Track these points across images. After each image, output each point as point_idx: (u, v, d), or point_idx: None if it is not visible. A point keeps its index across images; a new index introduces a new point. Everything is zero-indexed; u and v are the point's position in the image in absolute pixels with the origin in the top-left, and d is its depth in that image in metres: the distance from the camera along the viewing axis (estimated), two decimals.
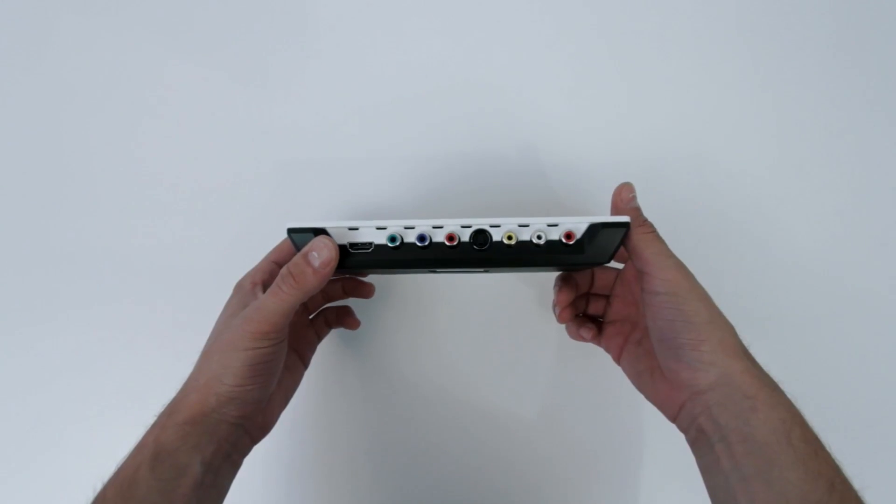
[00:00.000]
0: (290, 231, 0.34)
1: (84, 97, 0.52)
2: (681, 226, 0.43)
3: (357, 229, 0.34)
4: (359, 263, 0.34)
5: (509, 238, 0.32)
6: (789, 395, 0.32)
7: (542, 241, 0.32)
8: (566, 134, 0.50)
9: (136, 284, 0.50)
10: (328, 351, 0.50)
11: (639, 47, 0.51)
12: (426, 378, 0.50)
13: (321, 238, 0.33)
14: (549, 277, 0.46)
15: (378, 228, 0.33)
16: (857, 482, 0.30)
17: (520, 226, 0.33)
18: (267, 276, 0.39)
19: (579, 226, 0.32)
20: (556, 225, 0.32)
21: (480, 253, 0.33)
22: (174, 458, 0.32)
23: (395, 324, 0.50)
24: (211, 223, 0.50)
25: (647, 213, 0.35)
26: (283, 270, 0.34)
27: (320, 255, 0.33)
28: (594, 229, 0.32)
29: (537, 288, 0.49)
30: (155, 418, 0.34)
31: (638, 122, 0.50)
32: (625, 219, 0.32)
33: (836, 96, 0.50)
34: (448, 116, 0.51)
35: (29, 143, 0.52)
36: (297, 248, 0.34)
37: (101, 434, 0.49)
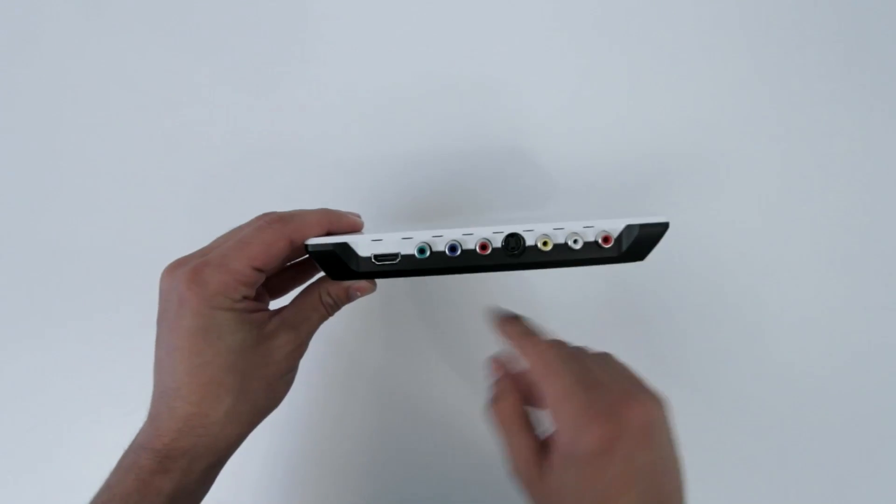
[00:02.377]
0: (310, 248, 0.32)
1: (80, 99, 0.51)
2: (679, 223, 0.43)
3: (381, 241, 0.32)
4: (384, 275, 0.33)
5: (545, 244, 0.31)
6: None
7: (578, 245, 0.31)
8: (569, 131, 0.50)
9: (137, 287, 0.47)
10: (327, 349, 0.49)
11: (642, 47, 0.50)
12: (425, 378, 0.49)
13: (368, 284, 0.35)
14: (556, 279, 0.46)
15: (404, 239, 0.32)
16: None
17: (555, 229, 0.31)
18: (252, 290, 0.31)
19: (616, 227, 0.31)
20: (591, 227, 0.31)
21: (514, 258, 0.32)
22: (193, 497, 0.31)
23: (395, 325, 0.49)
24: (211, 226, 0.48)
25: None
26: (328, 300, 0.34)
27: (363, 293, 0.34)
28: (631, 230, 0.31)
29: (540, 291, 0.49)
30: (162, 460, 0.29)
31: (638, 119, 0.50)
32: (662, 218, 0.31)
33: (838, 95, 0.50)
34: (448, 114, 0.50)
35: (23, 146, 0.51)
36: (321, 265, 0.32)
37: (101, 434, 0.48)
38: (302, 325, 0.33)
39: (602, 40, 0.50)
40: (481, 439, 0.48)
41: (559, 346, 0.31)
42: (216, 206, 0.49)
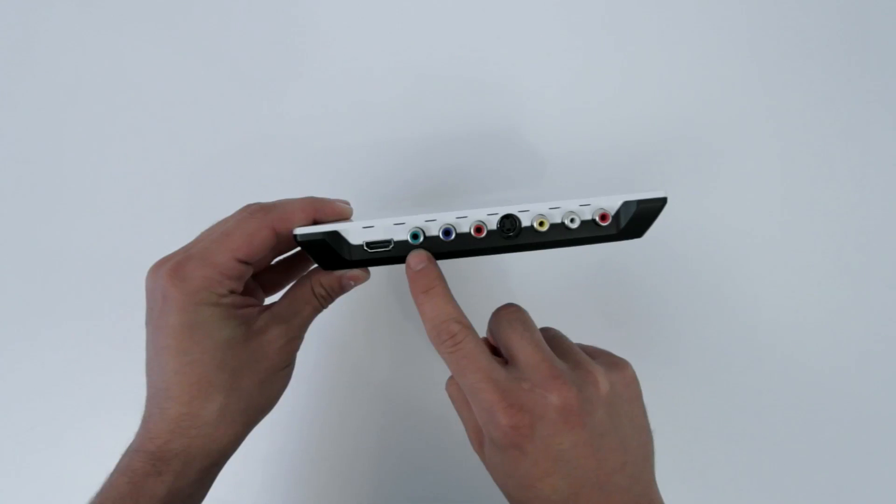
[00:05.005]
0: (299, 238, 0.31)
1: (74, 97, 0.50)
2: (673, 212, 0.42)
3: (372, 227, 0.31)
4: (377, 262, 0.32)
5: (541, 224, 0.30)
6: None
7: (575, 225, 0.30)
8: (565, 113, 0.49)
9: (137, 288, 0.47)
10: (329, 349, 0.48)
11: (640, 37, 0.49)
12: (426, 378, 0.48)
13: (361, 273, 0.33)
14: (558, 273, 0.46)
15: (396, 224, 0.31)
16: None
17: (551, 209, 0.31)
18: (238, 283, 0.30)
19: (613, 204, 0.31)
20: (587, 204, 0.31)
21: (510, 240, 0.31)
22: (189, 501, 0.30)
23: (398, 324, 0.49)
24: (210, 222, 0.48)
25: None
26: (320, 291, 0.32)
27: (357, 282, 0.33)
28: (629, 206, 0.31)
29: (526, 279, 0.48)
30: (156, 462, 0.29)
31: (634, 107, 0.49)
32: (660, 193, 0.31)
33: (837, 91, 0.49)
34: (442, 99, 0.49)
35: (17, 146, 0.51)
36: (311, 255, 0.31)
37: (103, 435, 0.47)
38: (294, 318, 0.32)
39: (600, 22, 0.50)
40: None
41: (473, 339, 0.29)
42: (215, 202, 0.48)
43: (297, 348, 0.33)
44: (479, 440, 0.31)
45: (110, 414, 0.47)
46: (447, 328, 0.29)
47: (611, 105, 0.49)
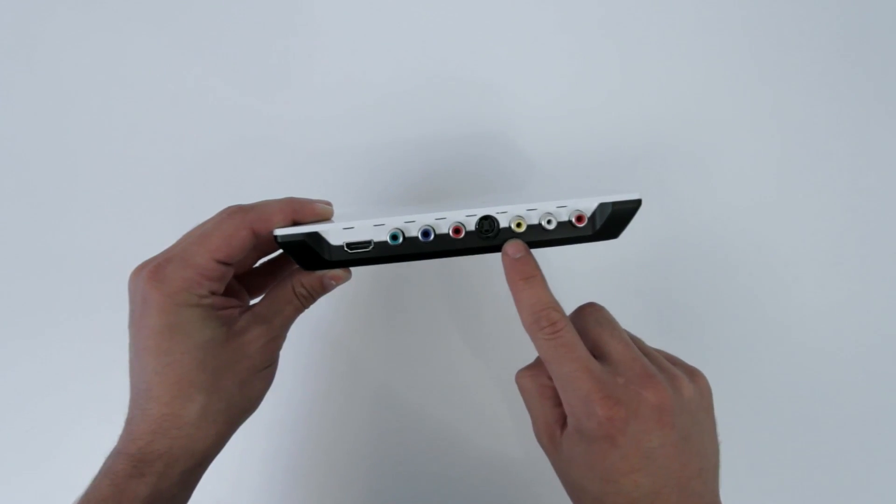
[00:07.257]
0: (279, 238, 0.31)
1: (75, 96, 0.50)
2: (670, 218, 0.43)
3: (353, 228, 0.31)
4: (358, 263, 0.32)
5: (518, 225, 0.31)
6: None
7: (552, 226, 0.31)
8: (562, 120, 0.50)
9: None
10: (326, 348, 0.48)
11: (638, 38, 0.50)
12: (425, 377, 0.49)
13: (343, 273, 0.33)
14: (565, 275, 0.47)
15: (376, 226, 0.31)
16: None
17: (528, 210, 0.31)
18: (219, 284, 0.30)
19: (589, 206, 0.31)
20: (564, 206, 0.31)
21: (488, 241, 0.31)
22: (172, 503, 0.30)
23: (396, 322, 0.49)
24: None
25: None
26: (302, 291, 0.32)
27: (338, 282, 0.33)
28: (604, 209, 0.31)
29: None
30: (137, 464, 0.29)
31: (631, 111, 0.50)
32: (635, 195, 0.31)
33: (838, 94, 0.50)
34: (431, 104, 0.49)
35: (14, 145, 0.50)
36: (292, 255, 0.31)
37: (102, 435, 0.48)
38: (275, 318, 0.32)
39: (594, 24, 0.50)
40: (481, 440, 0.48)
41: (571, 329, 0.30)
42: (216, 203, 0.49)
43: (278, 348, 0.33)
44: (550, 433, 0.31)
45: (110, 414, 0.47)
46: (548, 315, 0.29)
47: (605, 106, 0.49)
